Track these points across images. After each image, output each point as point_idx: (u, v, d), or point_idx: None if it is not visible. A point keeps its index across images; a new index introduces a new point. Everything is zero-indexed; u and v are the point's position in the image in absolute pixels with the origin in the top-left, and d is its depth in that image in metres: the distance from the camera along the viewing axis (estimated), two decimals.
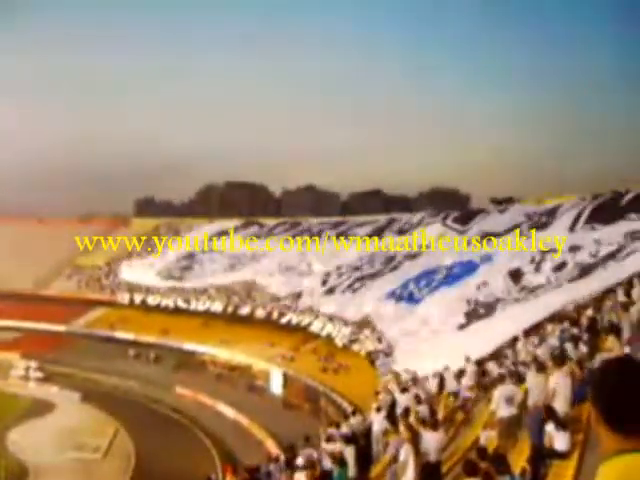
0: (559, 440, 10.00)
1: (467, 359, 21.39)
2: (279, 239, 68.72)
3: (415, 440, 11.45)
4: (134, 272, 69.54)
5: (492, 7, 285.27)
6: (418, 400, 17.53)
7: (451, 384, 20.70)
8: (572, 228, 42.45)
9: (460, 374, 21.11)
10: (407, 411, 16.32)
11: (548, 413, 10.55)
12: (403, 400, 17.93)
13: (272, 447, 34.88)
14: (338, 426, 20.13)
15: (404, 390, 19.23)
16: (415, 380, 23.36)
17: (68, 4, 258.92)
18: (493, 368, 20.17)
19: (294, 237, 67.86)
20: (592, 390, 2.14)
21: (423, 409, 16.00)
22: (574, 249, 37.55)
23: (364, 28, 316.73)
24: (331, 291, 51.87)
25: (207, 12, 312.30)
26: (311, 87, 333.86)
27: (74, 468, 33.69)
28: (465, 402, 18.59)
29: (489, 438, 13.13)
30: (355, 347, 42.97)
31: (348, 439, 16.67)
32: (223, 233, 74.86)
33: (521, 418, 12.64)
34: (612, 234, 37.19)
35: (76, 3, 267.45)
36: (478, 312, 35.59)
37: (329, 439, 17.66)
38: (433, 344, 33.58)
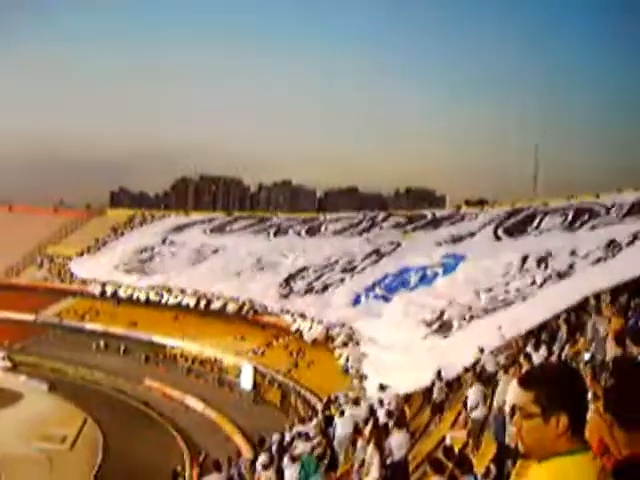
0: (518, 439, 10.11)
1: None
2: (245, 234, 67.89)
3: (379, 440, 11.57)
4: (86, 267, 68.27)
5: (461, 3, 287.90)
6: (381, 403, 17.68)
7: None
8: (546, 233, 42.71)
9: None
10: (372, 411, 16.47)
11: (513, 413, 10.71)
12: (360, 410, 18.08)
13: (241, 442, 34.90)
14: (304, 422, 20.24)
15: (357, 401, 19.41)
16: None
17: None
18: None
19: (261, 232, 67.15)
20: None
21: (390, 408, 16.16)
22: (549, 255, 37.47)
23: (332, 30, 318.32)
24: (295, 291, 51.54)
25: (201, 10, 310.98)
26: (291, 84, 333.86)
27: (40, 459, 33.35)
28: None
29: (454, 438, 13.31)
30: (325, 346, 43.02)
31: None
32: (187, 226, 73.65)
33: (487, 419, 12.85)
34: (589, 241, 37.11)
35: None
36: (444, 321, 35.14)
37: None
38: (398, 353, 33.24)
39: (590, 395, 4.88)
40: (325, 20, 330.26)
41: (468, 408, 14.31)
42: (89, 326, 59.37)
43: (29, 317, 61.19)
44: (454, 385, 21.02)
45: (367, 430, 13.31)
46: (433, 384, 20.23)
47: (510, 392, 2.36)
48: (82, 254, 72.11)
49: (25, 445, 34.91)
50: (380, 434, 11.98)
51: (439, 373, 20.52)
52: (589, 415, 2.50)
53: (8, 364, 52.11)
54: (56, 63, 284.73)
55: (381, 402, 18.72)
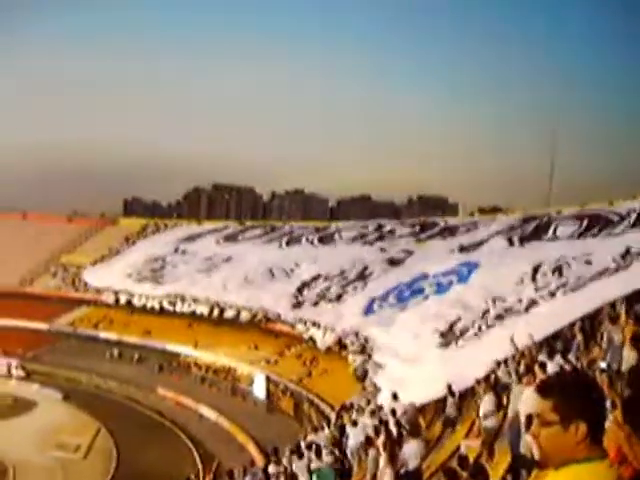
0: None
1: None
2: (258, 242, 67.71)
3: (392, 449, 11.49)
4: (100, 276, 68.41)
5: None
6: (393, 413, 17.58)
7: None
8: (560, 242, 42.46)
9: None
10: (383, 421, 16.38)
11: (528, 422, 10.61)
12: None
13: (254, 451, 34.84)
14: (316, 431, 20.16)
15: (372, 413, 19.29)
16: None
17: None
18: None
19: (274, 241, 66.88)
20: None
21: (400, 419, 16.08)
22: (563, 264, 37.17)
23: (342, 35, 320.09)
24: (308, 299, 51.42)
25: (205, 17, 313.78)
26: (301, 93, 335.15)
27: (54, 467, 33.51)
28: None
29: (469, 447, 13.22)
30: (338, 355, 42.91)
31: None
32: (199, 235, 73.48)
33: (502, 427, 12.76)
34: (604, 249, 36.79)
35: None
36: (457, 331, 34.84)
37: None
38: (411, 362, 32.91)
39: (608, 404, 4.83)
40: (345, 27, 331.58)
41: (481, 417, 14.23)
42: (103, 335, 59.56)
43: (43, 326, 61.45)
44: (467, 395, 20.90)
45: (379, 440, 13.23)
46: (446, 396, 20.11)
47: (526, 400, 2.36)
48: (95, 263, 72.40)
49: (39, 453, 35.05)
50: (393, 444, 11.91)
51: (450, 387, 20.38)
52: (607, 424, 2.48)
53: (22, 373, 52.35)
54: (67, 71, 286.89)
55: (393, 412, 18.65)
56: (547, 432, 2.26)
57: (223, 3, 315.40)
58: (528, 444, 7.87)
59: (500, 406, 14.64)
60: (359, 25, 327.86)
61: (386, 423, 16.78)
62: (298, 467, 16.63)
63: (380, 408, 21.91)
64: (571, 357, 17.29)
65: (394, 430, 15.23)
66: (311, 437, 21.59)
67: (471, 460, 10.79)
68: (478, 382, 18.93)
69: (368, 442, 13.68)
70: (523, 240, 45.57)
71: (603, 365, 12.71)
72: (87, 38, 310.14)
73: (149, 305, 61.46)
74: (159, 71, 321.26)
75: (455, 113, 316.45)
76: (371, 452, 12.98)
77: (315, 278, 54.15)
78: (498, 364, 20.22)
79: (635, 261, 32.48)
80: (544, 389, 2.31)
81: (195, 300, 58.85)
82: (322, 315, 47.34)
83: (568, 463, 2.22)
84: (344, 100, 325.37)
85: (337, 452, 17.02)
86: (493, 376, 20.02)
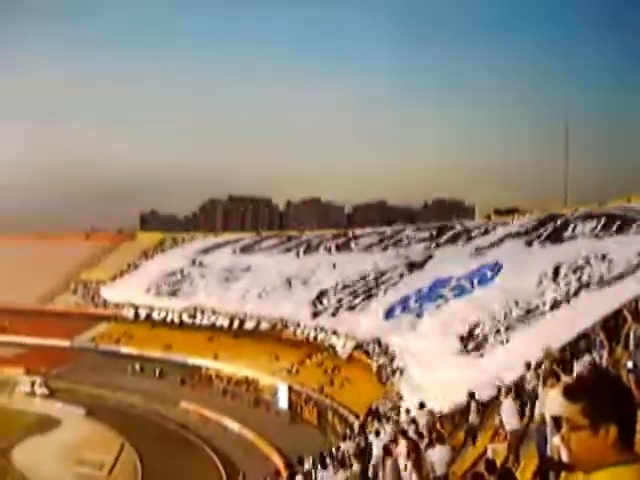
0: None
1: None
2: (275, 252, 67.73)
3: (417, 455, 11.36)
4: (119, 291, 68.83)
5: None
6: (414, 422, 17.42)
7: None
8: (579, 241, 42.08)
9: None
10: (403, 430, 16.20)
11: (556, 425, 10.45)
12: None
13: (278, 462, 34.70)
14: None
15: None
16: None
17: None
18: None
19: (291, 250, 66.90)
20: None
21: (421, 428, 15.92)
22: (583, 263, 36.78)
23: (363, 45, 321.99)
24: (327, 307, 51.30)
25: (210, 29, 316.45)
26: (314, 101, 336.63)
27: None
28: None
29: (495, 451, 13.06)
30: (359, 362, 42.73)
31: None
32: (216, 247, 73.72)
33: (529, 430, 12.59)
34: (623, 248, 36.41)
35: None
36: (479, 334, 34.56)
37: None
38: (433, 367, 32.61)
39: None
40: (349, 44, 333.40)
41: (504, 420, 14.05)
42: (124, 350, 59.79)
43: (65, 343, 61.79)
44: (492, 400, 20.64)
45: (399, 449, 13.06)
46: (469, 402, 19.87)
47: (552, 403, 2.25)
48: (114, 279, 72.78)
49: (64, 470, 35.15)
50: (419, 452, 11.78)
51: (472, 394, 20.08)
52: (637, 427, 2.38)
53: (45, 391, 52.59)
54: (79, 85, 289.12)
55: (414, 420, 18.48)
56: (577, 436, 2.16)
57: (229, 16, 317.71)
58: (555, 447, 7.72)
59: (523, 408, 14.46)
60: (365, 29, 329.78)
61: (405, 432, 16.62)
62: (323, 477, 16.50)
63: (401, 415, 21.73)
64: (595, 357, 17.05)
65: (415, 438, 15.07)
66: (336, 447, 21.45)
67: (498, 464, 10.63)
68: (500, 385, 18.71)
69: (386, 452, 13.46)
70: (542, 241, 45.19)
71: (630, 365, 12.50)
72: (96, 49, 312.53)
73: (169, 319, 61.70)
74: (173, 84, 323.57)
75: (459, 114, 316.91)
76: (389, 462, 12.77)
77: (334, 286, 54.01)
78: (528, 366, 19.95)
79: None
80: (571, 392, 2.20)
81: (214, 312, 58.95)
82: (342, 323, 47.21)
83: (599, 468, 2.12)
84: (346, 103, 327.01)
85: (362, 461, 16.85)
86: (516, 379, 19.81)
